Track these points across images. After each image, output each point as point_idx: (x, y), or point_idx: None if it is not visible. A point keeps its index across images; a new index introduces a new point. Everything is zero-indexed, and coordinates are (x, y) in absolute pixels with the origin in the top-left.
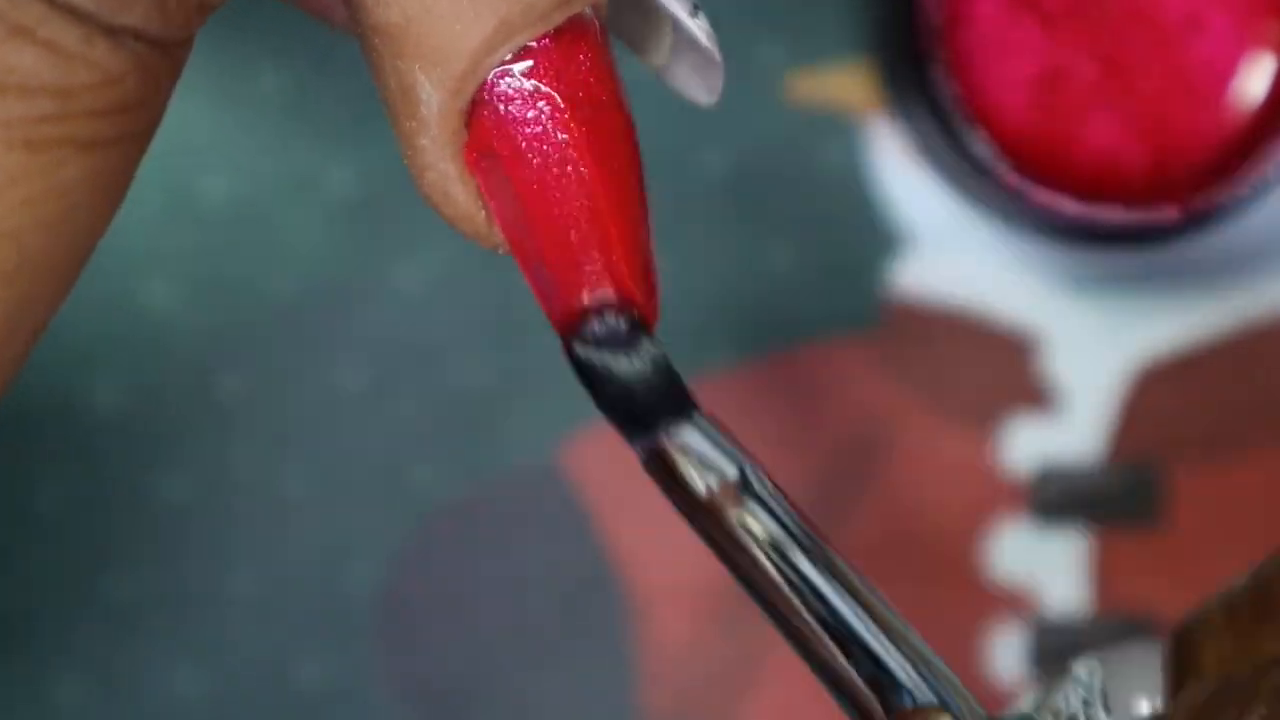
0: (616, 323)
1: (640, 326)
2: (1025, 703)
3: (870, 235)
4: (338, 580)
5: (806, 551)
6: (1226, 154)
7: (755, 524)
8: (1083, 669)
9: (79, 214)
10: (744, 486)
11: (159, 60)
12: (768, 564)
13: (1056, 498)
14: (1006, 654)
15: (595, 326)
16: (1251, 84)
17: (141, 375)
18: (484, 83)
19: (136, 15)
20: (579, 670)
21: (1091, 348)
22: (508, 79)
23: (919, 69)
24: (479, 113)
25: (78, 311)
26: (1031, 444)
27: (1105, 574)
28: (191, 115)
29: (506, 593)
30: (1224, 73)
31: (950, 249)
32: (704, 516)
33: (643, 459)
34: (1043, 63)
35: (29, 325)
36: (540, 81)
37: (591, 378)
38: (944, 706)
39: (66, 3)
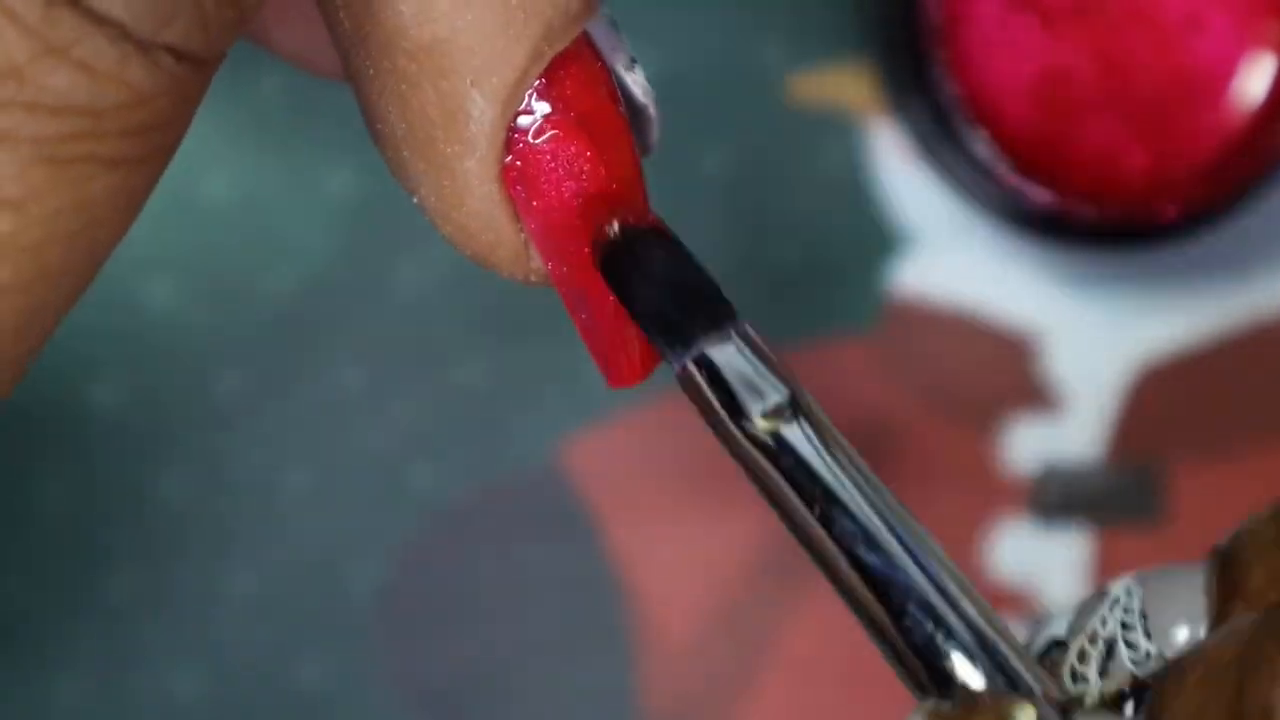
0: (643, 229)
1: (668, 236)
2: (1056, 626)
3: (870, 235)
4: (338, 580)
5: (861, 494)
6: (1226, 154)
7: (802, 459)
8: (1120, 589)
9: (99, 229)
10: (792, 414)
11: (191, 78)
12: (811, 507)
13: (1057, 497)
14: None
15: (619, 229)
16: (1251, 84)
17: (141, 375)
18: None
19: (177, 32)
20: (579, 670)
21: (1092, 347)
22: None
23: (919, 69)
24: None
25: (78, 311)
26: (1032, 444)
27: (1106, 574)
28: None
29: (506, 592)
30: (1224, 73)
31: (950, 249)
32: (743, 449)
33: (678, 377)
34: (1043, 62)
35: (39, 331)
36: (547, 98)
37: (623, 278)
38: (1026, 693)
39: (104, 18)
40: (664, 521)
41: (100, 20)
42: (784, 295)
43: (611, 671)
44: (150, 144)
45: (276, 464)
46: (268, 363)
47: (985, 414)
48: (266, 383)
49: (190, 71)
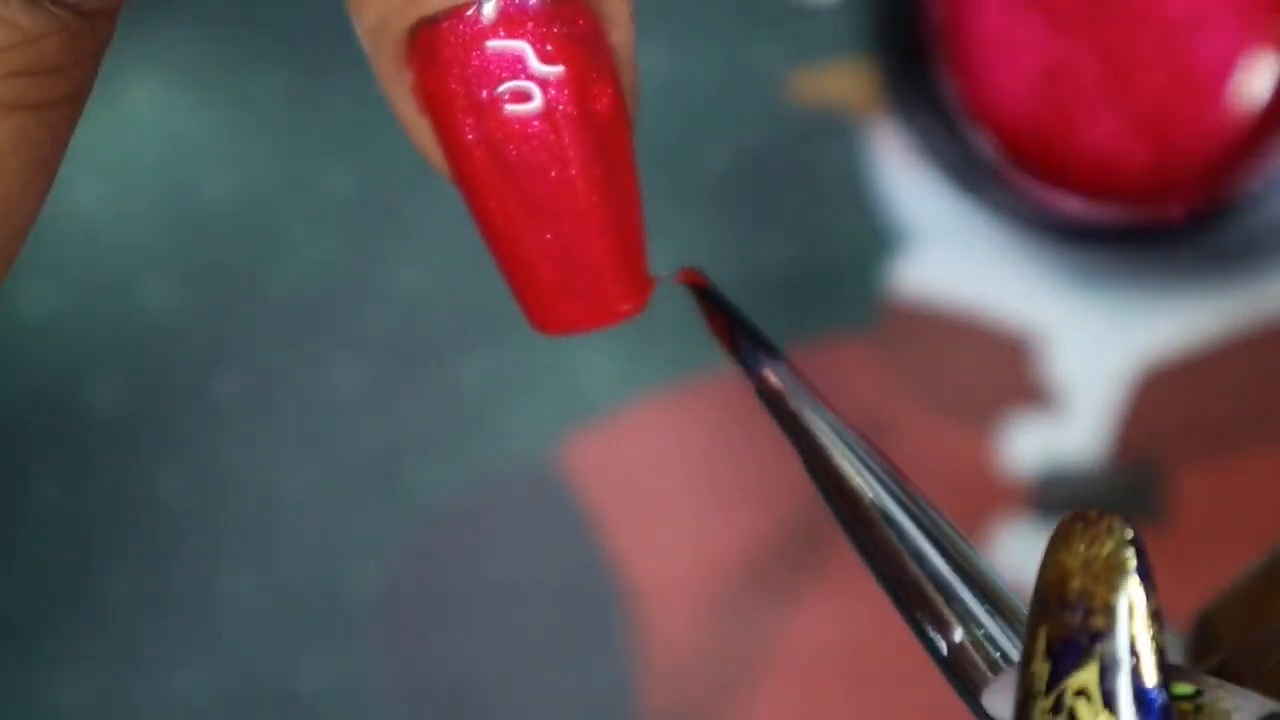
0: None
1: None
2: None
3: (870, 235)
4: (337, 580)
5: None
6: (1229, 152)
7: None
8: None
9: (10, 180)
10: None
11: (81, 26)
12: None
13: (1058, 497)
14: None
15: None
16: (1254, 82)
17: (140, 375)
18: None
19: None
20: (579, 670)
21: (1093, 347)
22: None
23: (920, 67)
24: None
25: (77, 311)
26: (1033, 444)
27: None
28: (191, 115)
29: (506, 592)
30: (1226, 71)
31: (950, 249)
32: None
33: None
34: (1045, 60)
35: None
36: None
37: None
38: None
39: None
40: (663, 521)
41: None
42: (784, 295)
43: (611, 671)
44: (46, 90)
45: (276, 464)
46: (268, 363)
47: (985, 414)
48: (266, 383)
49: (77, 20)
